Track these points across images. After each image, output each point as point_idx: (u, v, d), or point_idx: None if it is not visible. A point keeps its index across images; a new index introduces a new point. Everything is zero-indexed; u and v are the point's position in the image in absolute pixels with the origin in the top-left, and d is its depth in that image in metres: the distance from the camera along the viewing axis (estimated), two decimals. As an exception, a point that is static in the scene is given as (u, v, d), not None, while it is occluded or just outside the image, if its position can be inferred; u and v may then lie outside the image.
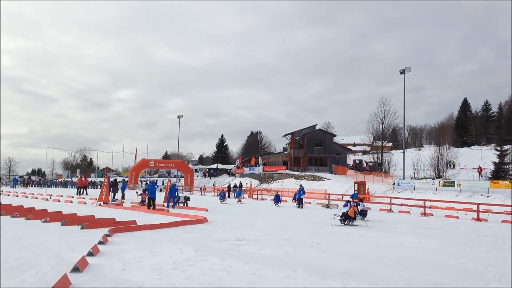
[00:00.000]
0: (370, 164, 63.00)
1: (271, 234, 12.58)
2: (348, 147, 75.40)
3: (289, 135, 63.51)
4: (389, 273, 7.50)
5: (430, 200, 25.55)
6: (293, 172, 55.50)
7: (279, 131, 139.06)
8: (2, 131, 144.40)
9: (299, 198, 26.66)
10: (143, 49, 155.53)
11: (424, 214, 22.18)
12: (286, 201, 31.51)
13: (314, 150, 58.31)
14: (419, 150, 74.11)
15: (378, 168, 56.69)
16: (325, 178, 49.73)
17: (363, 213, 18.61)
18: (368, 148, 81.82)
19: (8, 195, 33.46)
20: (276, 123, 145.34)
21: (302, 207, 25.85)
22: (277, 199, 28.20)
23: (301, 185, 30.27)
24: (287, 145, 68.15)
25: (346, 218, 16.31)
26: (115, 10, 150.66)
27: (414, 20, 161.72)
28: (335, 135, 69.23)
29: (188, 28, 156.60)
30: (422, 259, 9.08)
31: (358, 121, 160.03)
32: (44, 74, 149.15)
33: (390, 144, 76.77)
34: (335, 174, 54.21)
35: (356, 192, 33.45)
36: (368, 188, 39.14)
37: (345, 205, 17.44)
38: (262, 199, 37.02)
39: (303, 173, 53.93)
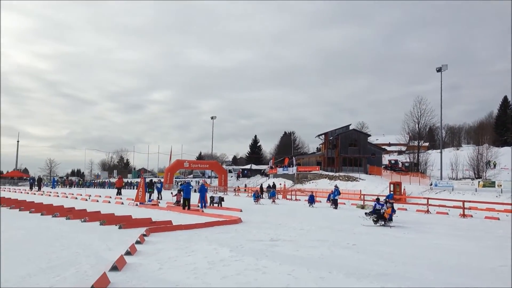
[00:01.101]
0: (406, 164, 61.78)
1: (305, 235, 12.53)
2: (383, 147, 74.15)
3: (323, 136, 63.05)
4: (426, 275, 7.35)
5: (470, 201, 24.82)
6: (327, 173, 55.08)
7: (312, 131, 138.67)
8: (45, 133, 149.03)
9: (333, 198, 26.43)
10: (176, 51, 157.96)
11: (463, 215, 21.58)
12: (321, 202, 31.30)
13: (348, 150, 57.71)
14: (457, 149, 72.12)
15: (415, 168, 55.52)
16: (359, 179, 49.14)
17: (378, 212, 17.65)
18: (403, 148, 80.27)
19: (49, 195, 34.54)
20: (309, 124, 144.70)
21: (336, 208, 25.62)
22: (311, 200, 28.04)
23: (336, 186, 29.98)
24: (321, 145, 67.69)
25: (379, 218, 16.13)
26: (148, 13, 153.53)
27: (450, 17, 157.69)
28: (369, 135, 68.32)
29: (220, 29, 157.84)
30: (460, 261, 8.85)
31: (393, 120, 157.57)
32: (83, 78, 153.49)
33: (427, 144, 75.00)
34: (370, 174, 53.50)
35: (392, 192, 32.95)
36: (404, 189, 38.38)
37: (375, 205, 17.29)
38: (296, 199, 36.89)
39: (337, 174, 53.46)
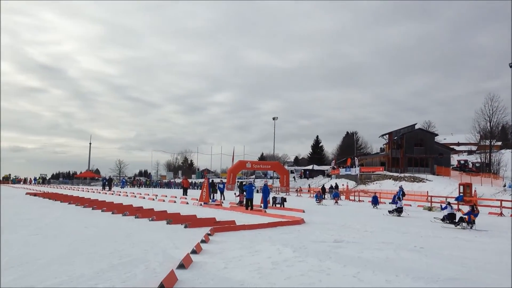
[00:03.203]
0: (477, 164, 58.86)
1: (370, 237, 12.26)
2: (451, 147, 71.17)
3: (387, 135, 61.50)
4: (500, 281, 6.96)
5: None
6: (391, 173, 53.67)
7: (376, 131, 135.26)
8: (114, 135, 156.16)
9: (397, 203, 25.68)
10: (236, 52, 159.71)
11: (541, 218, 20.26)
12: (385, 203, 30.50)
13: (414, 151, 55.90)
14: (533, 149, 67.77)
15: (486, 169, 52.81)
16: (426, 180, 47.46)
17: (399, 210, 20.67)
18: (474, 148, 76.51)
19: (119, 195, 36.10)
20: (372, 123, 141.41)
21: (402, 210, 24.83)
22: (375, 201, 27.41)
23: (400, 187, 29.07)
24: (385, 145, 66.02)
25: (449, 219, 15.98)
26: (209, 16, 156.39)
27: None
28: (436, 135, 65.75)
29: (278, 30, 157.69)
30: (541, 268, 8.30)
31: (462, 119, 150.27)
32: (147, 81, 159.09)
33: (499, 143, 71.07)
34: (437, 175, 51.49)
35: (461, 194, 31.60)
36: (475, 190, 36.61)
37: (444, 208, 17.28)
38: (359, 200, 36.23)
39: (402, 174, 51.97)
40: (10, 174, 79.28)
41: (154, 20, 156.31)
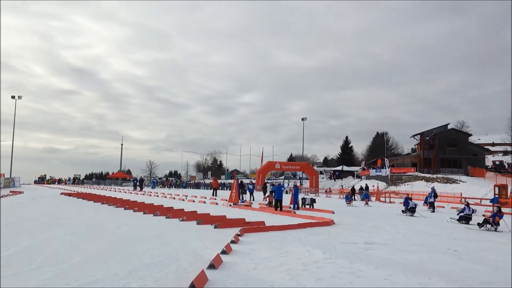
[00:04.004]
0: (513, 165, 57.26)
1: (401, 239, 12.09)
2: (485, 147, 69.27)
3: (418, 136, 60.38)
4: (540, 286, 6.76)
5: None
6: (423, 174, 52.67)
7: (406, 131, 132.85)
8: (145, 136, 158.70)
9: (430, 201, 25.25)
10: (264, 52, 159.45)
11: None
12: (417, 205, 29.98)
13: (447, 151, 54.69)
14: None
15: (524, 169, 51.30)
16: (459, 181, 46.39)
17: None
18: (509, 148, 74.35)
19: (150, 195, 36.66)
20: (402, 123, 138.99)
21: (434, 211, 24.41)
22: (406, 203, 26.95)
23: (432, 188, 28.57)
24: (416, 146, 64.86)
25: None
26: (236, 16, 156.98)
27: None
28: (470, 135, 64.11)
29: (307, 29, 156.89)
30: None
31: (497, 118, 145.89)
32: (175, 83, 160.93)
33: (538, 143, 68.90)
34: (471, 176, 50.21)
35: (497, 196, 30.73)
36: (511, 192, 35.56)
37: (464, 209, 17.61)
38: (390, 202, 35.71)
39: (434, 175, 50.92)
40: (45, 175, 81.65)
41: (182, 22, 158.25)
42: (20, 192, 34.95)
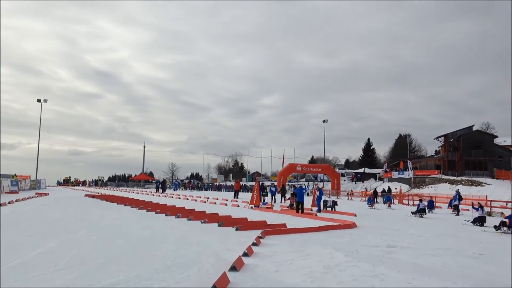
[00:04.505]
0: (541, 167, 55.88)
1: (425, 242, 11.90)
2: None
3: (442, 137, 59.50)
4: None
5: None
6: (447, 177, 51.85)
7: (430, 133, 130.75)
8: (166, 139, 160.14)
9: (455, 204, 24.82)
10: (284, 54, 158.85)
11: None
12: (441, 207, 29.52)
13: (472, 153, 53.73)
14: None
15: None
16: (485, 183, 45.49)
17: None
18: (537, 150, 72.65)
19: (172, 197, 36.94)
20: (426, 125, 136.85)
21: (458, 214, 23.98)
22: (430, 205, 26.56)
23: (457, 191, 28.10)
24: (440, 148, 63.96)
25: (479, 221, 16.61)
26: (257, 19, 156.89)
27: None
28: (496, 136, 62.82)
29: (328, 30, 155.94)
30: None
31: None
32: (197, 85, 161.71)
33: None
34: (497, 179, 49.22)
35: (523, 198, 30.03)
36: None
37: (477, 210, 17.86)
38: (413, 204, 35.18)
39: (458, 178, 50.08)
40: (70, 177, 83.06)
41: (204, 25, 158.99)
42: (45, 194, 35.63)
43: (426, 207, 22.43)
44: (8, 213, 17.24)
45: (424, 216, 21.48)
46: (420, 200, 22.97)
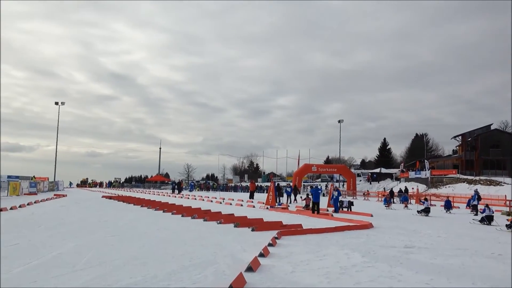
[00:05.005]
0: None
1: (443, 243, 11.76)
2: (531, 147, 66.68)
3: (459, 137, 58.78)
4: None
5: None
6: (465, 176, 51.18)
7: (447, 132, 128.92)
8: (182, 140, 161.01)
9: (474, 204, 24.52)
10: (298, 55, 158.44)
11: None
12: (459, 208, 29.17)
13: (490, 152, 52.96)
14: None
15: None
16: (503, 183, 44.77)
17: (427, 210, 22.18)
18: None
19: (188, 198, 37.13)
20: (442, 125, 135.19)
21: (477, 214, 23.66)
22: (448, 205, 26.26)
23: (476, 190, 27.71)
24: (457, 147, 63.16)
25: (487, 220, 17.13)
26: (270, 19, 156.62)
27: None
28: (515, 135, 61.93)
29: (342, 31, 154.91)
30: None
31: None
32: (211, 87, 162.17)
33: None
34: (516, 178, 48.47)
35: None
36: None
37: (484, 210, 18.31)
38: (430, 205, 34.77)
39: (477, 177, 49.39)
40: (87, 178, 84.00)
41: (217, 27, 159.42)
42: (63, 195, 36.10)
43: (430, 206, 23.07)
44: (28, 214, 17.51)
45: (429, 215, 21.89)
46: (425, 199, 23.84)
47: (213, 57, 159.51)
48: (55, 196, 33.91)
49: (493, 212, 18.56)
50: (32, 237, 10.94)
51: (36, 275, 6.78)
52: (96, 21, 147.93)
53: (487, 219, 17.77)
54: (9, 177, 46.44)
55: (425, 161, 59.24)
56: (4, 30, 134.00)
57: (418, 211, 22.79)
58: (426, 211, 22.13)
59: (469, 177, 50.37)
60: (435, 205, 33.30)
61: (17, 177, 48.42)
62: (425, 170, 56.29)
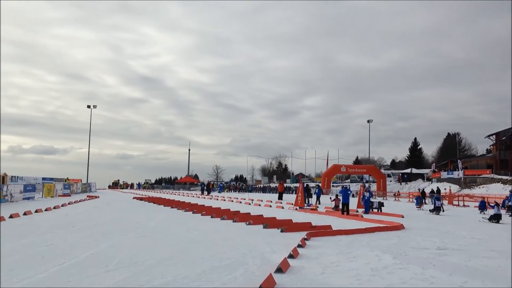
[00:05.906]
0: None
1: (478, 244, 11.48)
2: None
3: (493, 136, 57.24)
4: None
5: None
6: (500, 176, 49.80)
7: (480, 131, 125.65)
8: (210, 142, 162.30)
9: (509, 205, 23.84)
10: (326, 55, 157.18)
11: None
12: (493, 209, 28.34)
13: (526, 151, 51.40)
14: None
15: None
16: (540, 183, 43.44)
17: (438, 209, 22.88)
18: None
19: (217, 199, 37.36)
20: (475, 123, 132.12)
21: (439, 208, 23.32)
22: (482, 206, 25.58)
23: (511, 191, 26.91)
24: (491, 146, 61.55)
25: (495, 218, 17.92)
26: (299, 20, 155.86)
27: None
28: (552, 133, 59.87)
29: (371, 29, 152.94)
30: None
31: None
32: (239, 88, 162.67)
33: None
34: (553, 177, 46.93)
35: None
36: None
37: (493, 207, 19.03)
38: (464, 205, 34.05)
39: (512, 177, 48.02)
40: (118, 180, 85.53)
41: (245, 28, 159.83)
42: (96, 197, 36.86)
43: (442, 205, 23.76)
44: (62, 216, 17.96)
45: (440, 213, 22.68)
46: (437, 198, 24.17)
47: (241, 58, 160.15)
48: (88, 198, 34.65)
49: (499, 210, 19.27)
50: (67, 238, 11.21)
51: (71, 274, 6.93)
52: (126, 25, 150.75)
53: (495, 218, 18.44)
54: (43, 179, 47.82)
55: (458, 160, 57.95)
56: (39, 36, 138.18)
57: (430, 210, 23.47)
58: (437, 210, 22.82)
59: (504, 177, 48.98)
60: (468, 206, 32.55)
61: (51, 179, 49.85)
62: (458, 170, 55.06)
